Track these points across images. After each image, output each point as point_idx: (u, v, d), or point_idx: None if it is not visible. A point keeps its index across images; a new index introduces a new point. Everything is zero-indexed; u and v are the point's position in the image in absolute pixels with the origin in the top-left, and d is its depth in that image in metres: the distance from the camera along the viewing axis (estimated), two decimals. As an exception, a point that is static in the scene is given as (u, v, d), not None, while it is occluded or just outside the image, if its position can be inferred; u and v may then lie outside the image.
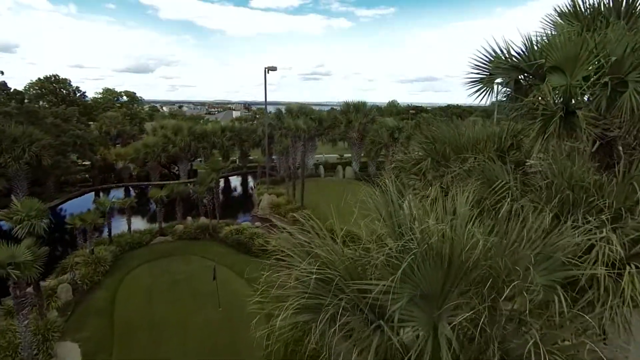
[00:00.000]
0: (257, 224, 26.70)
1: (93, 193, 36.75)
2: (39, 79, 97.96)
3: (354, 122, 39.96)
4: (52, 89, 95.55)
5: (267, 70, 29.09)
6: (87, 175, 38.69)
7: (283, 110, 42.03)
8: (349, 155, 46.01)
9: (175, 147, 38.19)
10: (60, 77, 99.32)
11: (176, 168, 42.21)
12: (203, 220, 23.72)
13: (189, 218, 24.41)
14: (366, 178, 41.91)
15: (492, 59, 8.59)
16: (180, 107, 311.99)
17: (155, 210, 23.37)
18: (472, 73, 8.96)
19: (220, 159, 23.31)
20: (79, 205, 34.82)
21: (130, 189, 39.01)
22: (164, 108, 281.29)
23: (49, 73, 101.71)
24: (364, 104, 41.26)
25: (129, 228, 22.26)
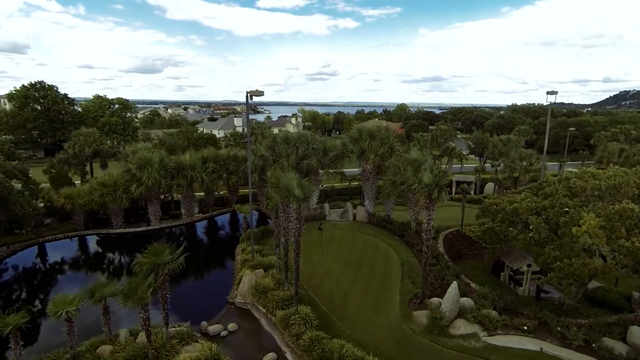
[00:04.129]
0: (232, 326, 18.30)
1: (37, 247, 28.81)
2: (23, 85, 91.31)
3: (367, 152, 31.38)
4: (37, 97, 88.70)
5: (249, 95, 20.73)
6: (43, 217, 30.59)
7: (279, 134, 33.70)
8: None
9: (140, 186, 30.00)
10: (47, 84, 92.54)
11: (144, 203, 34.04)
12: (142, 338, 15.39)
13: (122, 334, 16.03)
14: (384, 224, 33.41)
15: None
16: (185, 108, 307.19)
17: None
18: None
19: (167, 249, 14.53)
20: (24, 259, 27.13)
21: (87, 238, 30.93)
22: (169, 110, 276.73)
23: (34, 79, 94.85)
24: (380, 129, 32.65)
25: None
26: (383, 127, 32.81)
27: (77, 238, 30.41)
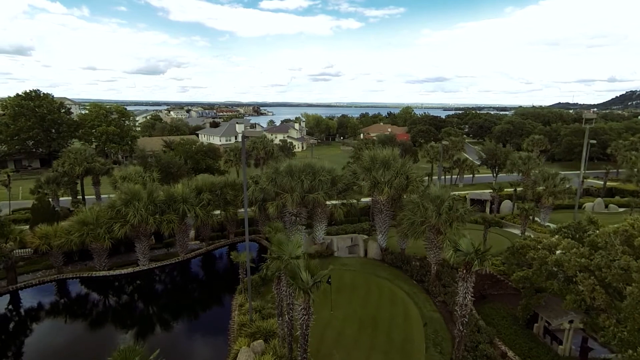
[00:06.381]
0: None
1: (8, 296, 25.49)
2: (17, 94, 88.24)
3: (381, 184, 27.86)
4: (31, 107, 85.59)
5: (244, 134, 17.31)
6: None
7: (282, 165, 30.18)
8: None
9: (125, 224, 26.61)
10: (42, 93, 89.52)
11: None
12: None
13: None
14: (400, 264, 29.69)
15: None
16: (188, 110, 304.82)
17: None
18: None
19: (138, 355, 11.05)
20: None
21: (67, 281, 27.54)
22: (171, 113, 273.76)
23: (29, 88, 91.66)
24: (394, 156, 29.06)
25: None
26: (397, 155, 29.14)
27: (54, 283, 26.99)
